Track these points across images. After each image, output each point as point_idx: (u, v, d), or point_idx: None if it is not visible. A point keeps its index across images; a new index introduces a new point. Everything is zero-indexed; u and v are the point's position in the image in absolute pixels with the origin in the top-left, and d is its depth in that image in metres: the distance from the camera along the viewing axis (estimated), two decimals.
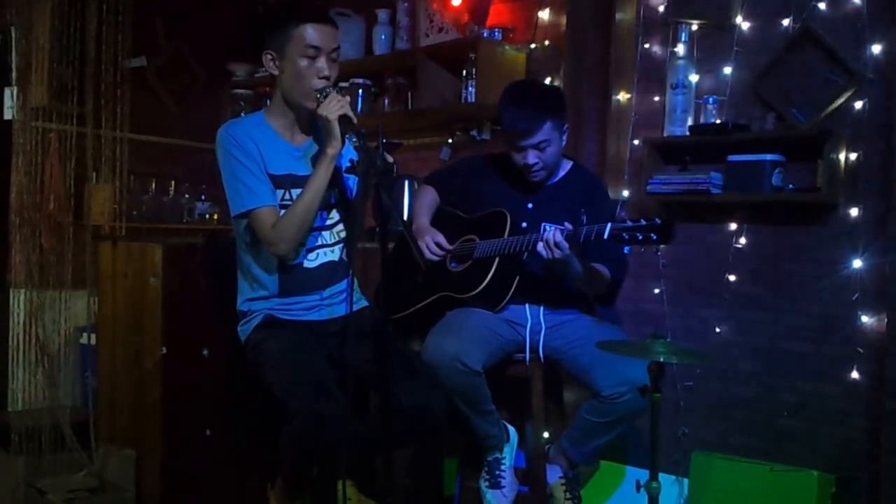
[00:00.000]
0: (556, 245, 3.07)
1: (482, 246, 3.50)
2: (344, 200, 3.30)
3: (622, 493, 4.04)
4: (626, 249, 3.36)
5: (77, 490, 3.79)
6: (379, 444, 2.81)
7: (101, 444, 4.04)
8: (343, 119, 2.96)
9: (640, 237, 2.89)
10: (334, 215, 3.29)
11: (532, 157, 3.42)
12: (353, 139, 2.92)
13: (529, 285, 3.47)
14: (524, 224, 3.47)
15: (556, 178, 3.62)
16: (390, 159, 2.97)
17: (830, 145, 3.78)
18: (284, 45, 3.09)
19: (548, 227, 3.19)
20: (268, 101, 3.44)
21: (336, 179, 3.19)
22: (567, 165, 3.66)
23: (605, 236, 2.96)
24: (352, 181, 3.29)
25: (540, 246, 3.14)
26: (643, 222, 2.90)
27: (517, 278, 3.44)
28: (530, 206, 3.56)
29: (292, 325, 3.20)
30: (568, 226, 3.08)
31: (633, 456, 4.09)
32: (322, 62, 3.07)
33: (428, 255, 3.58)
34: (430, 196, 3.84)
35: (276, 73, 3.18)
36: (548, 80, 4.70)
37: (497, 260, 3.41)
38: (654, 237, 2.87)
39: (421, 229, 3.68)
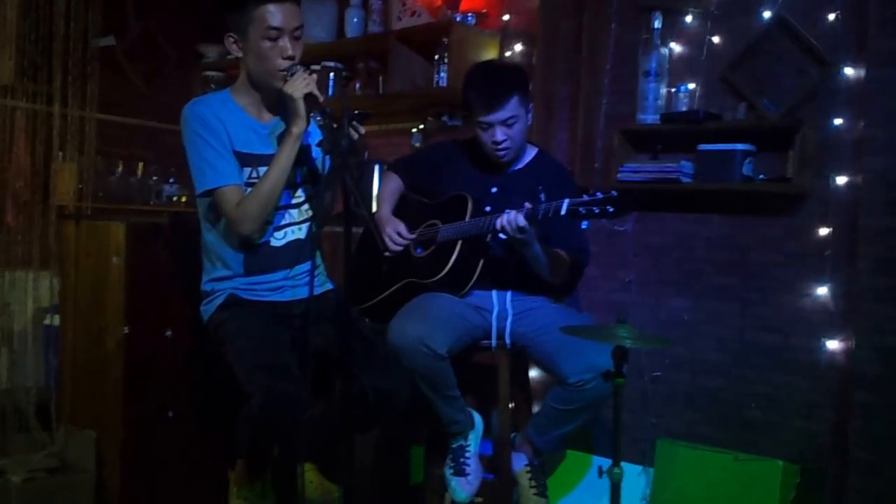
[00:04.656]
0: (517, 226, 3.06)
1: (444, 230, 3.48)
2: (312, 179, 3.27)
3: (587, 483, 4.03)
4: (584, 224, 3.35)
5: (37, 470, 3.74)
6: (341, 427, 2.78)
7: (62, 425, 3.99)
8: (308, 97, 2.93)
9: (597, 210, 2.91)
10: (301, 194, 3.26)
11: (500, 134, 3.40)
12: (318, 117, 2.88)
13: (495, 270, 3.45)
14: (488, 208, 3.44)
15: (521, 164, 3.60)
16: (362, 130, 2.92)
17: (801, 136, 3.77)
18: (246, 28, 3.05)
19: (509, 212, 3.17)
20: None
21: (303, 158, 3.16)
22: (532, 152, 3.65)
23: (563, 212, 2.97)
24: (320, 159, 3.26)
25: (497, 224, 3.12)
26: (599, 196, 2.90)
27: (481, 262, 3.42)
28: (494, 190, 3.54)
29: (255, 305, 3.17)
30: (528, 205, 3.06)
31: (599, 446, 4.08)
32: (285, 42, 3.03)
33: (391, 245, 3.57)
34: (392, 184, 3.82)
35: (239, 55, 3.15)
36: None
37: (459, 244, 3.39)
38: (611, 210, 2.89)
39: (382, 219, 3.66)
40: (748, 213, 4.02)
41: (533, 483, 3.47)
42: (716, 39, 4.10)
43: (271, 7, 3.00)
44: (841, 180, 3.75)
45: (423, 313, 3.30)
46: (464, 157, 3.66)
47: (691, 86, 4.14)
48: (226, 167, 3.07)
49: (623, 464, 2.76)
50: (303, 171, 3.23)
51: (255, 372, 2.90)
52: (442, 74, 4.85)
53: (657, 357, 4.19)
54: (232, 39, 3.12)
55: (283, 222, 3.21)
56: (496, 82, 3.41)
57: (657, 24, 4.21)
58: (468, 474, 3.42)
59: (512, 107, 3.37)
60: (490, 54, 4.87)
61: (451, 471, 3.45)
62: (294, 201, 3.24)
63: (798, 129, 3.77)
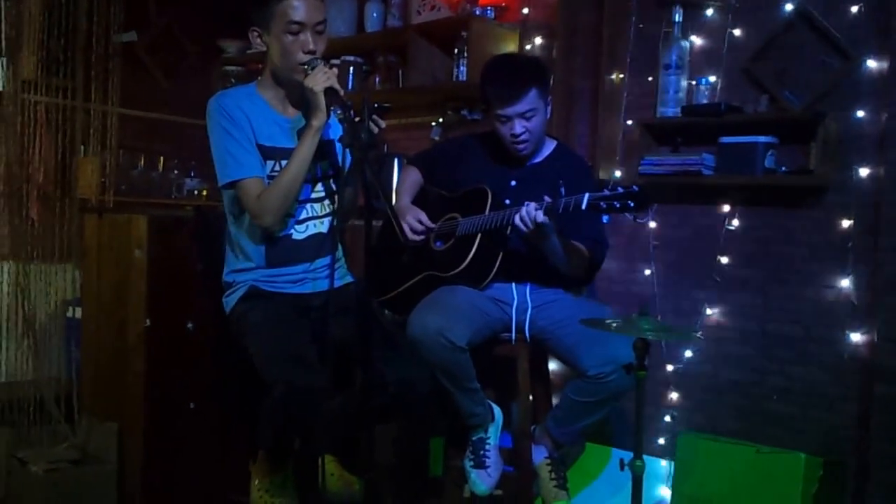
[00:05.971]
0: (534, 219, 3.06)
1: (464, 223, 3.47)
2: (334, 173, 3.27)
3: (607, 475, 4.02)
4: (605, 219, 3.33)
5: (59, 461, 3.77)
6: (361, 419, 2.79)
7: (84, 417, 4.02)
8: (329, 91, 2.93)
9: (618, 205, 2.89)
10: (322, 188, 3.27)
11: (519, 127, 3.39)
12: (338, 112, 2.88)
13: (515, 263, 3.43)
14: (507, 201, 3.43)
15: (541, 157, 3.59)
16: (382, 125, 2.93)
17: (823, 128, 3.75)
18: (269, 22, 3.05)
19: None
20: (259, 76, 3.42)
21: (325, 151, 3.17)
22: (552, 145, 3.64)
23: (584, 206, 2.95)
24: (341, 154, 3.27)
25: (516, 218, 3.12)
26: (620, 190, 2.89)
27: (500, 255, 3.41)
28: (513, 183, 3.52)
29: (276, 297, 3.18)
30: (547, 199, 3.06)
31: (619, 438, 4.08)
32: (307, 36, 3.03)
33: (410, 234, 3.56)
34: (412, 176, 3.81)
35: (263, 49, 3.16)
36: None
37: (479, 237, 3.38)
38: (632, 204, 2.87)
39: (402, 209, 3.65)
40: (770, 206, 4.01)
41: (553, 475, 3.46)
42: (737, 32, 4.09)
43: (294, 1, 3.01)
44: (863, 172, 3.74)
45: (443, 306, 3.30)
46: (483, 151, 3.65)
47: (712, 78, 4.13)
48: (248, 159, 3.08)
49: (644, 456, 2.75)
50: (323, 166, 3.23)
51: (277, 364, 2.91)
52: (461, 68, 4.86)
53: (678, 350, 4.18)
54: (256, 33, 3.12)
55: (304, 216, 3.22)
56: (514, 75, 3.40)
57: (678, 16, 4.20)
58: (488, 466, 3.42)
59: (530, 100, 3.36)
60: (510, 48, 4.86)
61: (471, 463, 3.45)
62: (314, 195, 3.24)
63: (820, 122, 3.75)
